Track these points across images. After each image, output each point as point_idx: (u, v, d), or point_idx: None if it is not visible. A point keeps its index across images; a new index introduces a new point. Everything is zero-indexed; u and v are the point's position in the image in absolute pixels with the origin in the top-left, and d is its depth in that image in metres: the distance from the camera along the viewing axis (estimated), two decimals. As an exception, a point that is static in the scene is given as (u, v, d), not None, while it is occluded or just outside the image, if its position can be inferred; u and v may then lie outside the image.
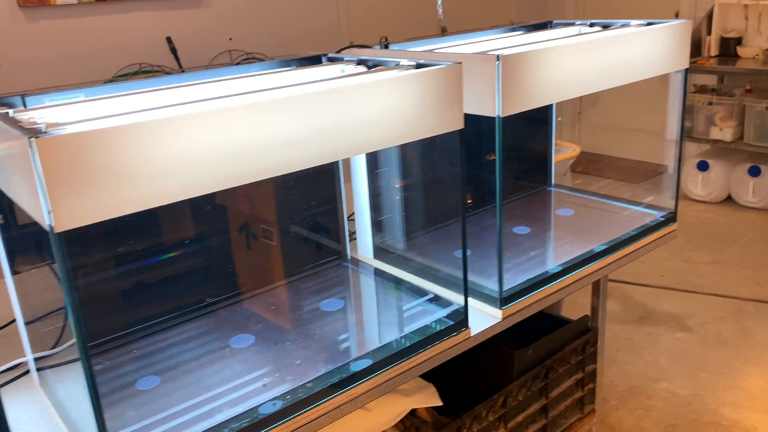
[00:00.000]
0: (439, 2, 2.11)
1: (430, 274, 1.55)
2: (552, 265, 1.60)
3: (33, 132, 0.85)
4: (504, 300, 1.44)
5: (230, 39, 3.78)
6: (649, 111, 4.57)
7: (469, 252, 1.67)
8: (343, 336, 1.35)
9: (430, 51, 1.54)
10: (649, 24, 1.70)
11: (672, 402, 2.48)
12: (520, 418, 1.72)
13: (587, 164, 5.19)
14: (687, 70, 1.74)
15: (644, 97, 4.55)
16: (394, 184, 1.66)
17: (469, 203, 1.89)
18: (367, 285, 1.59)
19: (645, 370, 2.68)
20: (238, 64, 1.46)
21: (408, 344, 1.30)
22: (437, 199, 1.71)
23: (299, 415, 1.16)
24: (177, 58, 3.51)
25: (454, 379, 1.69)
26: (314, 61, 1.49)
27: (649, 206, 1.92)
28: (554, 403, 1.82)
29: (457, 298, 1.40)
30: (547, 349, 1.78)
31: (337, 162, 1.61)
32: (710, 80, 4.48)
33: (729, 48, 4.23)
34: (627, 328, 3.00)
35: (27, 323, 1.28)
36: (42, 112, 1.09)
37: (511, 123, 1.99)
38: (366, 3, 4.31)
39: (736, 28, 4.25)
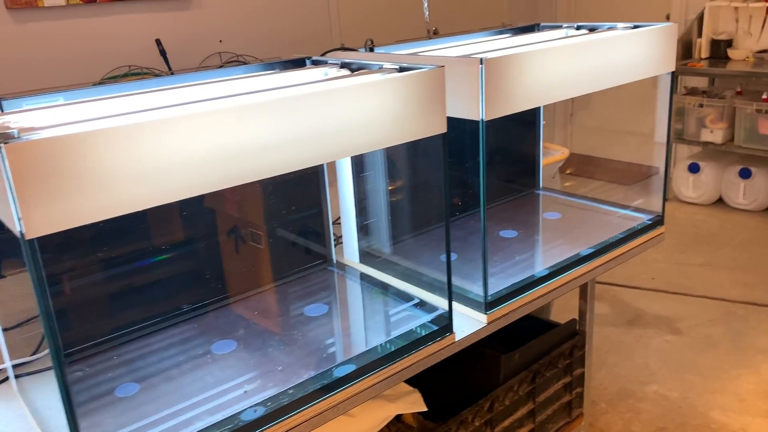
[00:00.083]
0: (425, 5, 2.10)
1: (415, 279, 1.54)
2: (538, 268, 1.59)
3: (3, 137, 0.83)
4: (489, 304, 1.43)
5: (220, 41, 3.76)
6: (641, 113, 4.58)
7: (455, 256, 1.67)
8: (327, 341, 1.34)
9: (415, 54, 1.53)
10: (635, 27, 1.69)
11: (661, 405, 2.48)
12: (507, 422, 1.71)
13: (579, 166, 5.19)
14: (674, 73, 1.74)
15: (636, 99, 4.55)
16: (380, 188, 1.66)
17: (459, 205, 1.88)
18: (352, 289, 1.58)
19: (635, 373, 2.68)
20: (221, 67, 1.45)
21: (392, 349, 1.29)
22: (423, 203, 1.70)
23: (281, 421, 1.14)
24: (166, 61, 3.49)
25: (440, 383, 1.68)
26: (298, 64, 1.48)
27: (637, 209, 1.92)
28: (542, 407, 1.81)
29: (442, 303, 1.39)
30: (535, 353, 1.77)
31: (321, 166, 1.60)
32: (701, 82, 4.49)
33: (719, 50, 4.24)
34: (617, 330, 3.00)
35: (5, 329, 1.26)
36: (18, 116, 1.08)
37: (499, 126, 1.98)
38: (357, 5, 4.30)
39: (726, 31, 4.26)
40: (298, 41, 4.04)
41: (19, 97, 1.19)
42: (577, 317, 1.94)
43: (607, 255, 1.68)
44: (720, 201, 4.32)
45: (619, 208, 1.95)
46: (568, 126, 5.46)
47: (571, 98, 1.46)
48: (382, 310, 1.49)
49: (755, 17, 4.13)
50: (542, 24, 1.93)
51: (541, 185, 2.11)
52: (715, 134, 4.10)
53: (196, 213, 1.43)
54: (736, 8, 4.15)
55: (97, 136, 0.86)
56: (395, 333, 1.35)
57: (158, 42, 3.48)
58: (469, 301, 1.47)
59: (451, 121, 1.32)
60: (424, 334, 1.34)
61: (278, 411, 1.15)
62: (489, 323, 1.43)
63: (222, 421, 1.11)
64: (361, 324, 1.44)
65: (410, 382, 1.49)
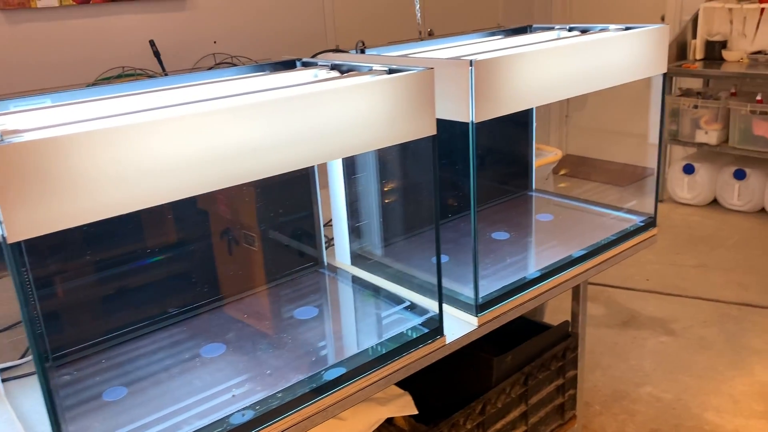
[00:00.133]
0: (417, 7, 2.10)
1: (407, 281, 1.54)
2: (530, 271, 1.59)
3: (-15, 140, 0.83)
4: (480, 307, 1.43)
5: (215, 42, 3.75)
6: (636, 114, 4.58)
7: (446, 258, 1.66)
8: (316, 344, 1.33)
9: (405, 56, 1.52)
10: (627, 28, 1.69)
11: (655, 406, 2.48)
12: (499, 425, 1.71)
13: (574, 167, 5.19)
14: (666, 75, 1.73)
15: (631, 100, 4.55)
16: (371, 190, 1.65)
17: (453, 206, 1.88)
18: (343, 292, 1.57)
19: (629, 375, 2.68)
20: (211, 68, 1.44)
21: (382, 352, 1.29)
22: (415, 205, 1.70)
23: (269, 425, 1.14)
24: (160, 62, 3.48)
25: (432, 386, 1.67)
26: (288, 65, 1.48)
27: (630, 211, 1.92)
28: (534, 409, 1.80)
29: (433, 306, 1.39)
30: (527, 355, 1.76)
31: (312, 167, 1.59)
32: (696, 83, 4.50)
33: (714, 51, 4.24)
34: (612, 332, 3.00)
35: (-8, 333, 1.26)
36: (4, 119, 1.07)
37: (492, 127, 1.98)
38: (352, 7, 4.30)
39: (721, 32, 4.27)
40: (293, 42, 4.03)
41: (6, 98, 1.18)
42: (565, 319, 1.94)
43: (599, 257, 1.68)
44: (715, 202, 4.32)
45: (612, 209, 1.95)
46: (563, 127, 5.46)
47: (567, 99, 1.46)
48: (372, 313, 1.48)
49: (749, 19, 4.14)
50: (534, 25, 1.93)
51: (534, 187, 2.10)
52: (709, 135, 4.10)
53: (186, 215, 1.43)
54: (730, 9, 4.15)
55: (81, 139, 0.86)
56: (385, 336, 1.35)
57: (152, 43, 3.48)
58: (460, 304, 1.46)
59: (444, 123, 1.32)
60: (414, 336, 1.33)
61: (267, 415, 1.14)
62: (480, 326, 1.43)
63: (210, 425, 1.10)
64: (351, 327, 1.43)
65: (401, 384, 1.49)
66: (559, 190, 2.15)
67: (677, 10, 4.57)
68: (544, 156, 2.36)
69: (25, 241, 0.83)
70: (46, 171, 0.84)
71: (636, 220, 1.83)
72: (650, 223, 1.83)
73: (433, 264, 1.33)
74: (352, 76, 1.27)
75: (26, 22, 3.19)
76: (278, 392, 1.18)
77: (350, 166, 1.63)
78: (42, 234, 0.84)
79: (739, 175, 4.11)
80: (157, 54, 3.47)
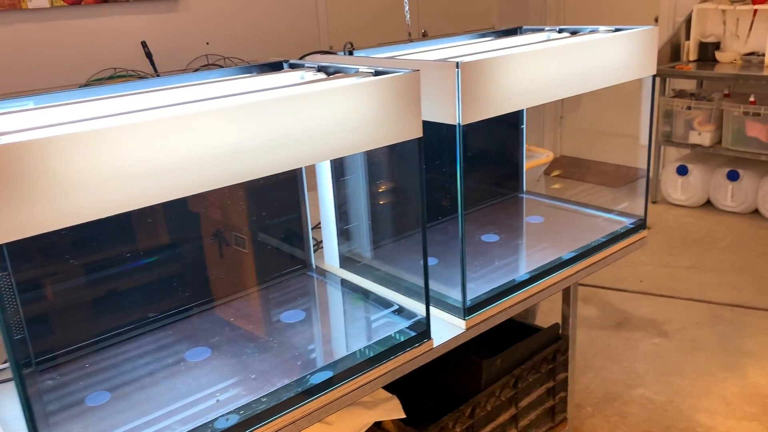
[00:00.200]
0: (407, 8, 2.09)
1: (395, 284, 1.53)
2: (519, 273, 1.58)
3: (-40, 144, 0.81)
4: (468, 310, 1.42)
5: (207, 43, 3.74)
6: (631, 115, 4.59)
7: (435, 261, 1.65)
8: (303, 348, 1.32)
9: (393, 58, 1.52)
10: (617, 30, 1.69)
11: (648, 408, 2.47)
12: (488, 428, 1.70)
13: (569, 168, 5.19)
14: (655, 76, 1.73)
15: (626, 101, 4.56)
16: (360, 193, 1.64)
17: (445, 207, 1.87)
18: (330, 295, 1.57)
19: (621, 377, 2.67)
20: (197, 70, 1.43)
21: (368, 356, 1.28)
22: (404, 207, 1.69)
23: (254, 430, 1.13)
24: (152, 63, 3.47)
25: (421, 389, 1.66)
26: (275, 67, 1.47)
27: (621, 213, 1.91)
28: (524, 412, 1.80)
29: (421, 309, 1.38)
30: (517, 358, 1.76)
31: (300, 170, 1.59)
32: (689, 85, 4.50)
33: (707, 53, 4.24)
34: (604, 333, 2.99)
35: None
36: (-16, 121, 1.06)
37: (482, 129, 1.97)
38: (346, 7, 4.29)
39: (714, 33, 4.27)
40: (286, 44, 4.02)
41: (-12, 101, 1.17)
42: (556, 322, 1.93)
43: (588, 259, 1.67)
44: (708, 203, 4.33)
45: (603, 211, 1.94)
46: (557, 128, 5.46)
47: (561, 100, 1.46)
48: (359, 316, 1.47)
49: (742, 20, 4.14)
50: (525, 27, 1.92)
51: (524, 189, 2.10)
52: (703, 136, 4.11)
53: (172, 218, 1.41)
54: (723, 11, 4.16)
55: (58, 142, 0.85)
56: (372, 339, 1.34)
57: (144, 44, 3.46)
58: (448, 307, 1.45)
59: (433, 125, 1.31)
60: (401, 340, 1.32)
61: (251, 419, 1.13)
62: (468, 329, 1.42)
63: (193, 429, 1.09)
64: (337, 330, 1.42)
65: (390, 387, 1.48)
66: (553, 192, 2.15)
67: (671, 11, 4.58)
68: (535, 158, 2.36)
69: (7, 243, 0.82)
70: (26, 174, 0.83)
71: (626, 222, 1.83)
72: (640, 225, 1.82)
73: (421, 267, 1.33)
74: (338, 78, 1.26)
75: (17, 23, 3.17)
76: (263, 396, 1.17)
77: (339, 168, 1.62)
78: (18, 239, 0.83)
79: (733, 176, 4.12)
80: (149, 55, 3.45)
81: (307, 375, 1.23)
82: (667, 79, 4.36)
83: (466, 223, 1.89)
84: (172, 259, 1.43)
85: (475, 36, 1.90)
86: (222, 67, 1.50)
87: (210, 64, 3.66)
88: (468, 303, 1.42)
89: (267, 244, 1.58)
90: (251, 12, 3.91)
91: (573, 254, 1.65)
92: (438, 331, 1.40)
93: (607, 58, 1.56)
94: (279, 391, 1.18)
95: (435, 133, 1.37)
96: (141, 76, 3.38)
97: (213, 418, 1.12)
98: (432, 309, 1.47)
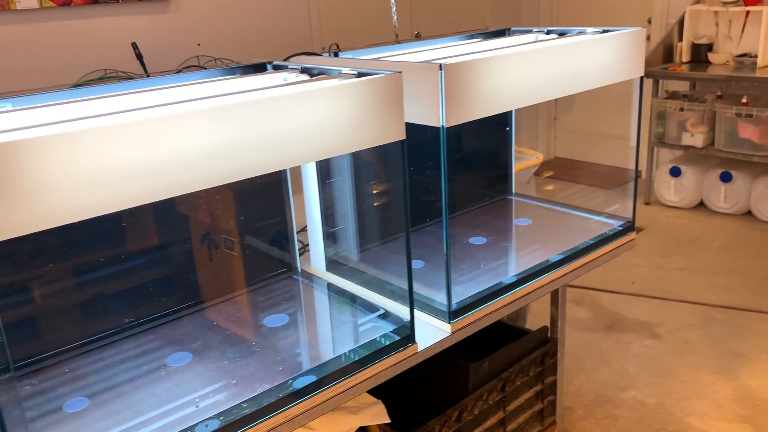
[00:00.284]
0: (393, 9, 2.08)
1: (381, 287, 1.52)
2: (506, 276, 1.57)
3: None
4: (453, 313, 1.41)
5: (198, 44, 3.73)
6: (625, 117, 4.58)
7: (422, 264, 1.64)
8: (285, 353, 1.31)
9: (378, 59, 1.51)
10: (605, 31, 1.68)
11: (639, 411, 2.46)
12: (476, 432, 1.69)
13: (563, 170, 5.19)
14: (643, 78, 1.72)
15: (620, 102, 4.56)
16: (346, 195, 1.63)
17: (431, 210, 1.86)
18: (315, 299, 1.55)
19: (613, 379, 2.66)
20: (179, 71, 1.42)
21: (352, 360, 1.26)
22: (391, 210, 1.68)
23: (233, 436, 1.11)
24: (143, 64, 3.45)
25: (407, 393, 1.65)
26: (259, 68, 1.46)
27: (610, 215, 1.90)
28: (512, 416, 1.79)
29: (406, 312, 1.36)
30: (505, 361, 1.75)
31: (284, 173, 1.57)
32: (682, 86, 4.50)
33: (700, 54, 4.24)
34: (596, 335, 2.99)
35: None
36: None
37: (471, 131, 1.96)
38: (338, 8, 4.28)
39: (707, 35, 4.27)
40: (278, 45, 4.01)
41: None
42: (544, 324, 1.92)
43: (576, 261, 1.66)
44: (701, 205, 4.32)
45: (592, 213, 1.93)
46: (551, 130, 5.46)
47: (555, 102, 1.45)
48: (343, 320, 1.46)
49: (735, 21, 4.14)
50: (513, 28, 1.91)
51: (513, 191, 2.09)
52: (695, 138, 4.10)
53: (153, 222, 1.40)
54: (716, 12, 4.16)
55: (30, 145, 0.83)
56: (356, 343, 1.33)
57: (134, 45, 3.44)
58: (433, 310, 1.44)
59: (421, 128, 1.30)
60: (385, 344, 1.31)
61: (231, 425, 1.12)
62: (453, 333, 1.41)
63: (172, 436, 1.08)
64: (321, 334, 1.41)
65: (376, 391, 1.47)
66: (546, 193, 2.14)
67: (663, 12, 4.58)
68: (524, 159, 2.35)
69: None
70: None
71: (615, 224, 1.82)
72: (629, 227, 1.81)
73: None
74: (319, 79, 1.25)
75: (5, 24, 3.15)
76: (243, 402, 1.15)
77: (325, 171, 1.61)
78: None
79: (726, 177, 4.11)
80: (139, 56, 3.43)
81: (288, 380, 1.21)
82: (660, 81, 4.36)
83: (454, 225, 1.88)
84: (155, 262, 1.41)
85: (464, 37, 1.89)
86: (203, 68, 1.49)
87: (193, 66, 3.64)
88: (453, 306, 1.41)
89: (252, 247, 1.57)
90: (243, 13, 3.89)
91: (560, 257, 1.64)
92: (423, 334, 1.39)
93: (594, 59, 1.55)
94: (260, 396, 1.17)
95: (423, 135, 1.36)
96: (130, 78, 3.36)
97: (192, 424, 1.11)
98: (418, 312, 1.46)
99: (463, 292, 1.48)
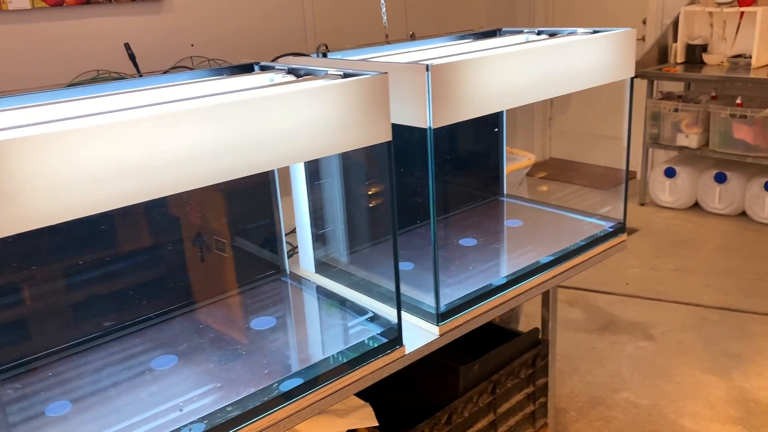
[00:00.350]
0: (383, 9, 2.07)
1: (370, 289, 1.51)
2: (496, 277, 1.56)
3: None
4: (442, 316, 1.40)
5: (192, 45, 3.72)
6: (620, 117, 4.57)
7: (412, 266, 1.63)
8: (271, 356, 1.30)
9: (365, 60, 1.50)
10: (595, 32, 1.67)
11: (632, 413, 2.46)
12: (466, 435, 1.68)
13: (558, 170, 5.19)
14: (633, 79, 1.71)
15: (615, 103, 4.54)
16: (335, 197, 1.62)
17: (421, 211, 1.85)
18: (303, 301, 1.54)
19: (606, 380, 2.66)
20: (166, 72, 1.41)
21: (339, 363, 1.25)
22: (380, 212, 1.67)
23: (218, 440, 1.10)
24: (136, 65, 3.43)
25: (396, 395, 1.64)
26: (246, 69, 1.45)
27: (602, 217, 1.89)
28: (503, 418, 1.78)
29: (395, 315, 1.36)
30: (495, 363, 1.74)
31: (272, 174, 1.56)
32: (677, 87, 4.50)
33: (695, 55, 4.24)
34: (590, 337, 2.98)
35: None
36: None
37: (462, 132, 1.96)
38: (332, 9, 4.27)
39: (701, 35, 4.27)
40: (272, 45, 4.00)
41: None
42: (535, 326, 1.91)
43: (566, 263, 1.65)
44: (696, 205, 4.32)
45: (583, 215, 1.92)
46: (547, 130, 5.45)
47: (550, 102, 1.44)
48: (332, 323, 1.45)
49: (729, 22, 4.14)
50: (504, 29, 1.91)
51: (505, 192, 2.08)
52: (690, 139, 4.10)
53: (140, 223, 1.39)
54: (710, 13, 4.16)
55: (15, 144, 0.82)
56: (344, 346, 1.32)
57: (127, 46, 3.43)
58: (422, 312, 1.43)
59: (410, 128, 1.29)
60: (373, 346, 1.30)
61: (216, 429, 1.11)
62: (441, 335, 1.40)
63: (155, 440, 1.07)
64: (308, 337, 1.40)
65: (364, 394, 1.46)
66: (540, 194, 2.13)
67: (658, 13, 4.58)
68: (516, 161, 2.34)
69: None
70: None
71: (605, 225, 1.81)
72: (620, 228, 1.81)
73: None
74: (305, 80, 1.24)
75: (-3, 24, 3.14)
76: (228, 405, 1.14)
77: (314, 172, 1.60)
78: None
79: (720, 178, 4.11)
80: (132, 57, 3.42)
81: (275, 382, 1.20)
82: (655, 81, 4.35)
83: (445, 227, 1.87)
84: (140, 265, 1.40)
85: (455, 38, 1.88)
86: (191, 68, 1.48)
87: (181, 66, 3.63)
88: (442, 308, 1.40)
89: (240, 249, 1.56)
90: (237, 14, 3.88)
91: (550, 258, 1.63)
92: (411, 337, 1.38)
93: (584, 60, 1.54)
94: (245, 399, 1.16)
95: (412, 136, 1.35)
96: (122, 78, 3.34)
97: (176, 428, 1.10)
98: (406, 315, 1.45)
99: (452, 294, 1.47)
